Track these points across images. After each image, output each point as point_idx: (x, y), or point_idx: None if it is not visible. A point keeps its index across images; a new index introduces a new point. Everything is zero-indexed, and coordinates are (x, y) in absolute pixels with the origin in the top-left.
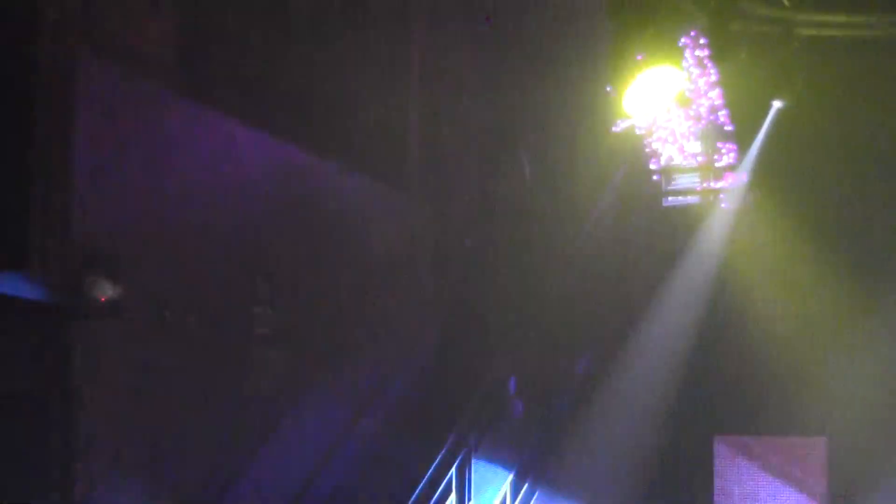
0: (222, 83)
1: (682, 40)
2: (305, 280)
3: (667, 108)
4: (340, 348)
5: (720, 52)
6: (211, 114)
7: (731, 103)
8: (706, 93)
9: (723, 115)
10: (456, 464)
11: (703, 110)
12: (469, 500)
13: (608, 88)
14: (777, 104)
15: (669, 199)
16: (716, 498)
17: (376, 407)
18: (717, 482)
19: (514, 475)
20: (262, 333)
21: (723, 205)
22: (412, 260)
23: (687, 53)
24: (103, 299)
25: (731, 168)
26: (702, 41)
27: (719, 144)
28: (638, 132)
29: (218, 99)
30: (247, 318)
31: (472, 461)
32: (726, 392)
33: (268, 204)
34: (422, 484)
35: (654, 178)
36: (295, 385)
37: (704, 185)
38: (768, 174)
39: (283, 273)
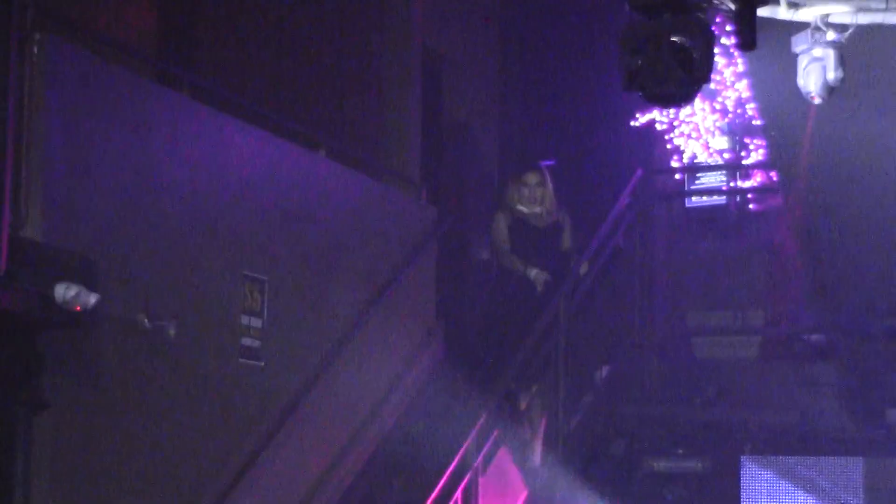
0: (206, 71)
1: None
2: (299, 286)
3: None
4: (336, 363)
5: (748, 40)
6: (194, 105)
7: (761, 96)
8: (733, 84)
9: (751, 108)
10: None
11: (729, 103)
12: None
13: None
14: (813, 97)
15: (693, 199)
16: None
17: (374, 427)
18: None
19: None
20: (249, 345)
21: (751, 206)
22: (416, 265)
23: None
24: (78, 308)
25: (761, 166)
26: (728, 28)
27: (747, 140)
28: (659, 127)
29: (201, 88)
30: (233, 327)
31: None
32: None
33: (258, 203)
34: None
35: (677, 176)
36: (284, 402)
37: (731, 184)
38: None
39: (275, 278)
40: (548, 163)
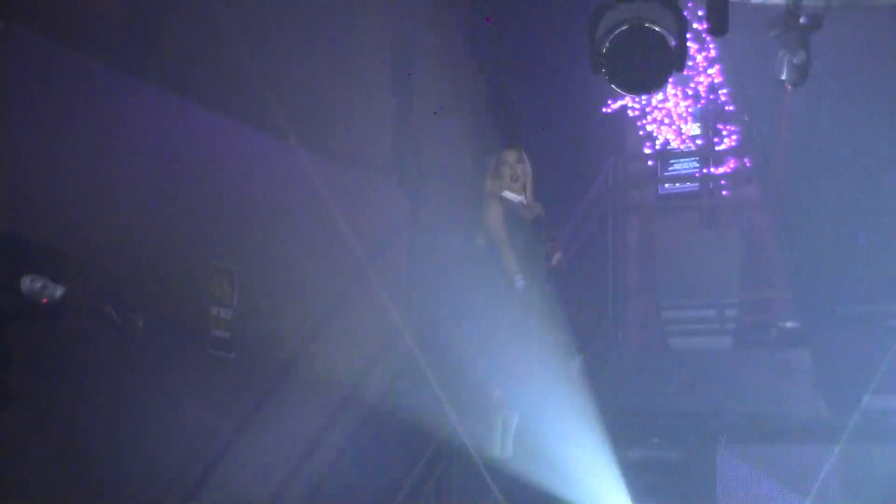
0: (172, 59)
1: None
2: (271, 278)
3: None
4: (308, 356)
5: (720, 25)
6: (160, 93)
7: (733, 81)
8: (705, 69)
9: (724, 93)
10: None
11: (701, 88)
12: None
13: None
14: (787, 84)
15: (666, 186)
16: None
17: (345, 420)
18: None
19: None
20: (220, 336)
21: (724, 192)
22: (389, 256)
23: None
24: (45, 300)
25: (734, 152)
26: (700, 13)
27: (720, 126)
28: (631, 114)
29: (167, 76)
30: (204, 319)
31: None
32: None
33: (230, 193)
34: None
35: (649, 163)
36: (254, 395)
37: (704, 170)
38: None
39: (247, 270)
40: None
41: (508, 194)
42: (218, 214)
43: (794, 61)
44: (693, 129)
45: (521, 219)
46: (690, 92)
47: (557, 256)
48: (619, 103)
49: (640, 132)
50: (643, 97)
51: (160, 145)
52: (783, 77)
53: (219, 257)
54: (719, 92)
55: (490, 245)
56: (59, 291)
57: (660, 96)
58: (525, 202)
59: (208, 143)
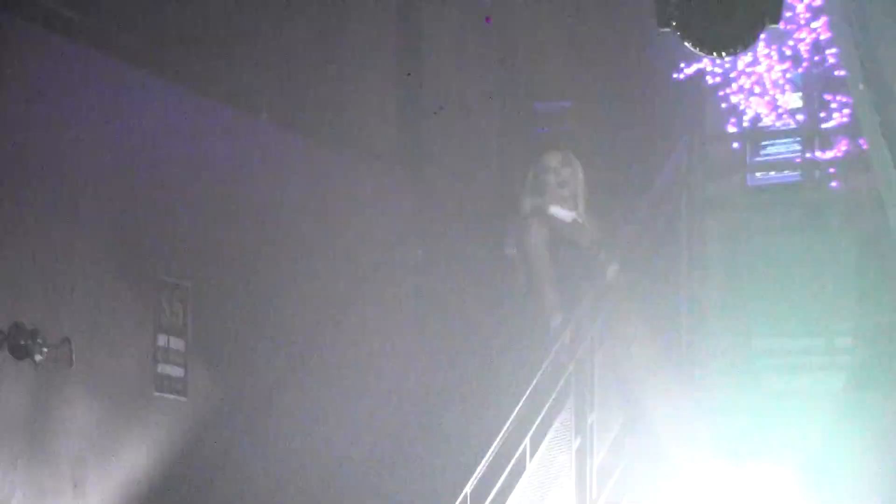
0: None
1: None
2: (235, 293)
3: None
4: (285, 399)
5: None
6: (101, 58)
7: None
8: (808, 23)
9: (832, 54)
10: None
11: (803, 48)
12: None
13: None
14: None
15: (757, 175)
16: None
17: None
18: None
19: None
20: (169, 374)
21: (833, 183)
22: (392, 266)
23: None
24: None
25: (846, 130)
26: None
27: (827, 97)
28: (710, 81)
29: (112, 41)
30: (147, 350)
31: None
32: None
33: (184, 186)
34: None
35: (735, 145)
36: (214, 454)
37: (807, 154)
38: None
39: (205, 286)
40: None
41: (556, 210)
42: (167, 214)
43: None
44: (792, 100)
45: (572, 244)
46: (789, 52)
47: (613, 269)
48: (695, 67)
49: (723, 105)
50: (726, 59)
51: (96, 122)
52: None
53: (168, 271)
54: (826, 52)
55: (527, 274)
56: None
57: (748, 58)
58: (578, 219)
59: (157, 118)
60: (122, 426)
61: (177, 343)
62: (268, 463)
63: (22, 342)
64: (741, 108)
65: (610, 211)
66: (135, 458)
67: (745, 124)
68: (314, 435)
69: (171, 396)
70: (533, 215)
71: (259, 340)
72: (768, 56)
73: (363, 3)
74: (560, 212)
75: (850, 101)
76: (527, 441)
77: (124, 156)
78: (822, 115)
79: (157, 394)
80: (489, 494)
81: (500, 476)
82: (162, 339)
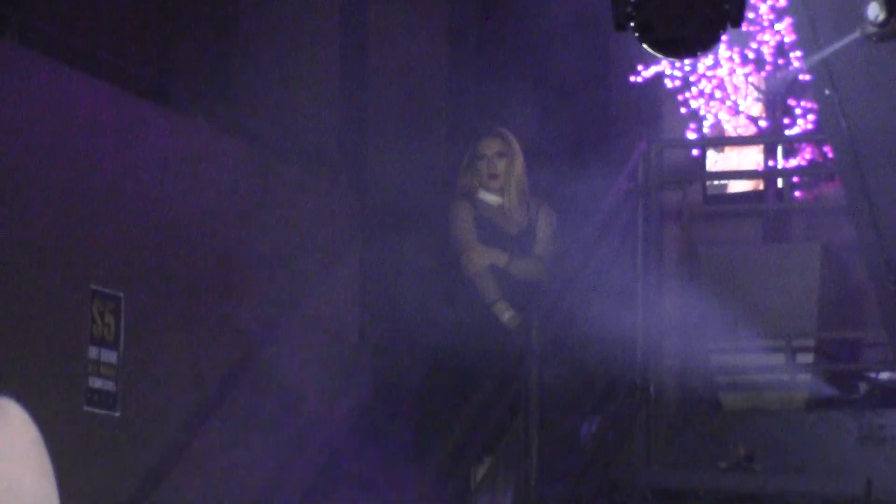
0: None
1: None
2: (176, 305)
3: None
4: (224, 412)
5: None
6: (22, 52)
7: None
8: (771, 24)
9: (796, 57)
10: None
11: (766, 50)
12: None
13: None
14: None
15: (717, 183)
16: None
17: None
18: None
19: None
20: (100, 388)
21: (796, 193)
22: (335, 269)
23: None
24: None
25: (811, 138)
26: None
27: (791, 102)
28: (669, 85)
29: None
30: (78, 362)
31: None
32: None
33: (112, 186)
34: None
35: (695, 152)
36: (147, 470)
37: (770, 162)
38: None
39: (136, 294)
40: None
41: (484, 195)
42: (99, 221)
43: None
44: (754, 106)
45: (500, 230)
46: (751, 55)
47: (510, 316)
48: (654, 70)
49: (682, 110)
50: (686, 62)
51: (14, 116)
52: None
53: (97, 278)
54: (791, 55)
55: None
56: None
57: (709, 61)
58: (504, 207)
59: (82, 115)
60: (48, 442)
61: (108, 355)
62: (203, 481)
63: None
64: (701, 112)
65: (567, 217)
66: (62, 475)
67: (706, 130)
68: (253, 450)
69: (103, 412)
70: (462, 195)
71: (196, 353)
72: (730, 59)
73: (307, 2)
74: (487, 197)
75: (815, 106)
76: None
77: (52, 159)
78: (786, 121)
79: (86, 408)
80: None
81: None
82: (93, 352)
